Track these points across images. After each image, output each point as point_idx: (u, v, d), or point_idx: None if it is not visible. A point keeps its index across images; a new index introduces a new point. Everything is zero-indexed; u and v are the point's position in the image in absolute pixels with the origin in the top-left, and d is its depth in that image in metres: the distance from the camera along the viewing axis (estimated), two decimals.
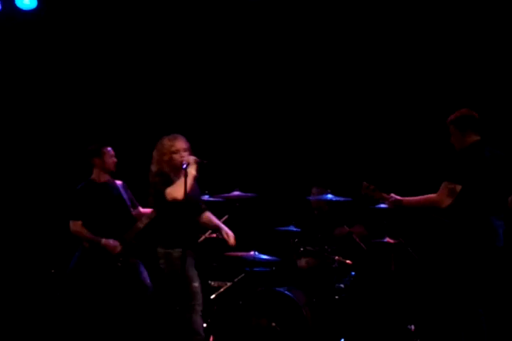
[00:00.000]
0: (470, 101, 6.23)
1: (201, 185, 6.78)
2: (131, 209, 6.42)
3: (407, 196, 5.47)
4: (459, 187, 5.10)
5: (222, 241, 6.64)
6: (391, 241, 6.61)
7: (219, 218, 6.58)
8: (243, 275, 6.67)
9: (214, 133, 8.10)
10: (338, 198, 6.65)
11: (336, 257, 6.61)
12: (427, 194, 5.33)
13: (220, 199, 6.70)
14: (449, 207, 5.15)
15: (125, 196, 6.44)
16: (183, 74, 8.18)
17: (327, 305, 6.46)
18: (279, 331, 6.27)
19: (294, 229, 6.78)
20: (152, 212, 6.00)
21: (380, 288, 6.80)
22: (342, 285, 6.55)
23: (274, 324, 6.29)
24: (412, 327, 6.45)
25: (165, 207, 5.52)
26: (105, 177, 6.41)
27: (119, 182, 6.51)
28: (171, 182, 5.51)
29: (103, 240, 6.18)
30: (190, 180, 5.45)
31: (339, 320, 6.42)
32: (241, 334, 6.35)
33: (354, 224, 7.02)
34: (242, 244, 6.73)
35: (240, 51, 8.05)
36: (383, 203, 6.17)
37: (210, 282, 6.67)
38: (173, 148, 5.61)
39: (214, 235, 6.61)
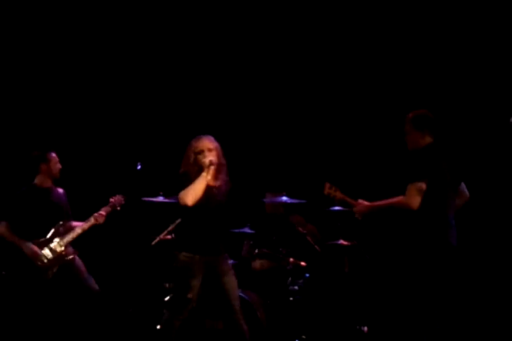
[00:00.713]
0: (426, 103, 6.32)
1: (156, 186, 6.81)
2: (67, 218, 6.40)
3: (361, 198, 5.48)
4: (424, 185, 5.09)
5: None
6: (345, 243, 6.65)
7: (174, 220, 6.58)
8: None
9: (169, 133, 8.10)
10: (292, 200, 6.69)
11: (291, 259, 6.64)
12: (381, 195, 5.36)
13: (175, 201, 6.66)
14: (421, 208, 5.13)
15: (63, 204, 6.43)
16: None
17: (281, 307, 6.48)
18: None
19: (249, 231, 6.79)
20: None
21: (333, 289, 6.85)
22: (296, 287, 6.57)
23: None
24: (365, 328, 6.51)
25: (180, 209, 5.40)
26: (48, 183, 6.40)
27: (60, 190, 6.51)
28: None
29: (26, 245, 6.14)
30: (201, 184, 5.26)
31: (293, 322, 6.45)
32: (195, 336, 6.32)
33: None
34: None
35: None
36: (340, 205, 6.18)
37: (164, 284, 6.64)
38: (197, 149, 5.43)
39: (169, 237, 6.59)
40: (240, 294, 6.32)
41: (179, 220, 6.52)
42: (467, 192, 5.44)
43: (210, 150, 5.42)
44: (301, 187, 7.21)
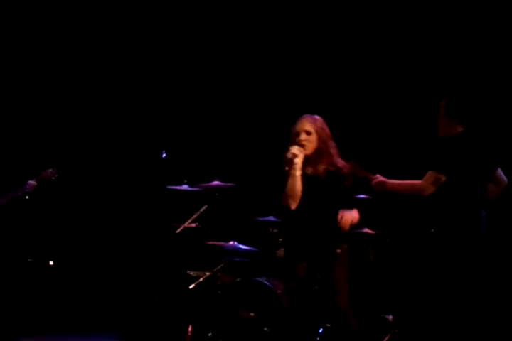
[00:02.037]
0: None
1: (181, 175, 6.82)
2: None
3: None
4: (444, 178, 5.05)
5: (201, 230, 6.65)
6: (370, 231, 6.62)
7: (198, 208, 6.59)
8: (222, 265, 6.66)
9: (195, 122, 8.10)
10: None
11: None
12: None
13: (200, 189, 6.68)
14: (431, 196, 5.12)
15: None
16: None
17: (306, 296, 6.47)
18: (257, 321, 6.27)
19: (274, 219, 6.78)
20: None
21: (358, 278, 6.82)
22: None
23: (252, 314, 6.29)
24: (390, 317, 6.48)
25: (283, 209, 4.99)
26: None
27: None
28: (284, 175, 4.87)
29: None
30: (292, 184, 4.78)
31: (318, 310, 6.44)
32: (220, 324, 6.34)
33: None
34: (221, 234, 6.76)
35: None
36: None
37: (189, 272, 6.66)
38: (294, 131, 4.88)
39: (193, 225, 6.60)
40: (265, 282, 6.34)
41: (204, 208, 6.54)
42: (505, 178, 5.33)
43: (307, 132, 4.87)
44: None
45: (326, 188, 4.89)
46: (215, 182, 6.59)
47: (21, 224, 8.19)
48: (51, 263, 7.81)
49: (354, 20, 7.71)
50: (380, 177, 5.34)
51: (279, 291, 6.31)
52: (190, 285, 6.53)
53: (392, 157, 7.30)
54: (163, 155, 6.85)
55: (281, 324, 6.21)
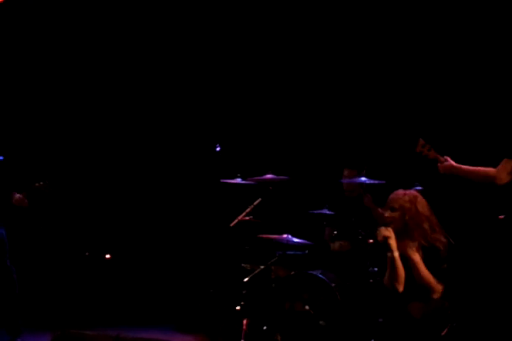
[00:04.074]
0: None
1: (234, 168, 6.82)
2: None
3: None
4: None
5: (255, 224, 6.65)
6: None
7: (252, 201, 6.59)
8: (276, 258, 6.65)
9: (247, 116, 8.10)
10: (371, 181, 6.58)
11: (370, 240, 6.55)
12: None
13: (253, 183, 6.68)
14: (507, 185, 4.90)
15: None
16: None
17: (361, 289, 6.43)
18: (312, 314, 6.25)
19: (328, 212, 6.73)
20: None
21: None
22: (376, 269, 6.49)
23: (307, 307, 6.27)
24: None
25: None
26: None
27: None
28: None
29: None
30: (393, 268, 4.61)
31: (373, 304, 6.39)
32: (274, 317, 6.34)
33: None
34: (275, 227, 6.75)
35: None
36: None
37: (243, 265, 6.67)
38: (387, 203, 4.85)
39: (247, 218, 6.60)
40: (319, 275, 6.32)
41: (257, 201, 6.54)
42: None
43: (392, 209, 4.76)
44: (381, 168, 7.08)
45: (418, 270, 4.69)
46: (269, 176, 6.57)
47: (79, 217, 8.33)
48: (108, 256, 7.90)
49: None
50: (449, 161, 5.17)
51: (333, 285, 6.28)
52: (244, 278, 6.53)
53: (463, 144, 7.13)
54: (217, 148, 6.86)
55: (337, 317, 6.18)
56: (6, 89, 8.13)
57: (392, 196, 4.83)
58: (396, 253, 4.59)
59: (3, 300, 6.34)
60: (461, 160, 5.25)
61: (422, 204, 4.81)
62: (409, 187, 6.41)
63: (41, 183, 6.33)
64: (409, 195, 4.80)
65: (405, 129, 7.53)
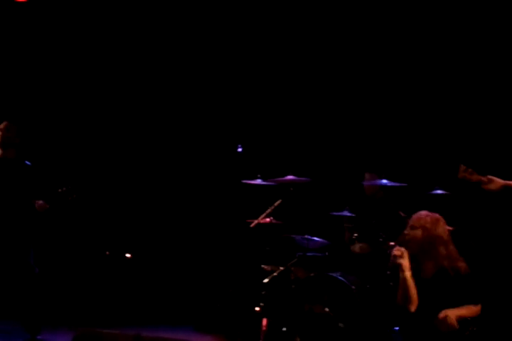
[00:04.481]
0: None
1: (255, 169, 6.83)
2: None
3: None
4: None
5: (275, 225, 6.65)
6: (449, 228, 6.48)
7: (272, 202, 6.58)
8: (296, 259, 6.65)
9: (268, 117, 8.10)
10: (393, 183, 6.55)
11: (391, 243, 6.53)
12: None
13: (274, 184, 6.67)
14: None
15: None
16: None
17: (381, 292, 6.40)
18: (332, 316, 6.23)
19: (349, 214, 6.71)
20: None
21: None
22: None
23: (327, 309, 6.25)
24: None
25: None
26: None
27: None
28: None
29: None
30: (405, 288, 4.61)
31: (392, 307, 6.36)
32: (294, 318, 6.33)
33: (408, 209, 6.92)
34: (295, 228, 6.74)
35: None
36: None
37: (263, 266, 6.67)
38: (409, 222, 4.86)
39: (267, 219, 6.60)
40: (339, 277, 6.30)
41: (278, 202, 6.53)
42: None
43: (412, 227, 4.77)
44: (402, 170, 7.06)
45: (436, 290, 4.68)
46: (290, 177, 6.57)
47: (100, 217, 8.37)
48: (128, 256, 7.94)
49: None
50: (495, 179, 5.03)
51: (353, 287, 6.26)
52: (264, 279, 6.53)
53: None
54: (239, 149, 6.87)
55: (356, 320, 6.16)
56: (29, 95, 8.24)
57: (415, 216, 4.85)
58: (408, 273, 4.60)
59: (24, 298, 6.39)
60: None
61: (442, 228, 4.85)
62: (430, 190, 6.41)
63: (64, 189, 6.39)
64: (431, 217, 4.83)
65: (428, 133, 7.51)
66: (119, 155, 8.48)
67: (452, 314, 4.62)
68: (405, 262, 4.62)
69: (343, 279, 6.28)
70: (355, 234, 6.70)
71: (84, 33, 8.35)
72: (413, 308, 4.62)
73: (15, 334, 6.53)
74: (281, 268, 6.62)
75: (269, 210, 6.57)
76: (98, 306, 7.80)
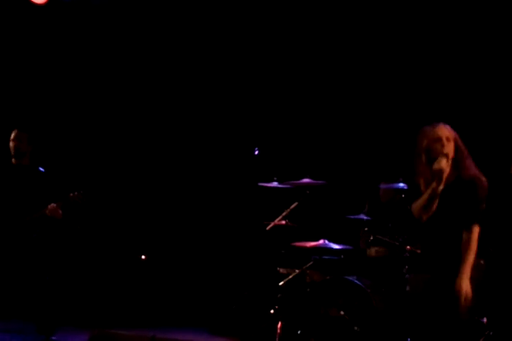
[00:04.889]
0: None
1: (271, 172, 6.82)
2: None
3: None
4: None
5: (291, 228, 6.64)
6: None
7: (288, 205, 6.57)
8: (312, 262, 6.63)
9: (285, 120, 8.09)
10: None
11: (407, 247, 6.49)
12: None
13: (290, 186, 6.66)
14: None
15: None
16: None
17: (397, 296, 6.37)
18: (347, 320, 6.20)
19: (365, 218, 6.68)
20: None
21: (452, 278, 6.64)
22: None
23: (342, 312, 6.23)
24: (485, 319, 6.30)
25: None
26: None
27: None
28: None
29: None
30: (431, 196, 4.54)
31: (409, 311, 6.32)
32: (309, 322, 6.31)
33: None
34: (311, 231, 6.72)
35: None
36: None
37: (278, 269, 6.66)
38: (433, 136, 4.63)
39: (283, 222, 6.59)
40: (355, 281, 6.27)
41: (294, 205, 6.52)
42: None
43: (448, 139, 4.63)
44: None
45: (455, 198, 4.63)
46: (306, 180, 6.56)
47: (115, 219, 8.39)
48: (143, 257, 7.95)
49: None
50: None
51: (369, 290, 6.22)
52: (279, 282, 6.51)
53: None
54: (256, 152, 6.86)
55: (372, 324, 6.13)
56: (40, 101, 8.29)
57: (443, 126, 4.68)
58: (441, 187, 4.54)
59: (38, 299, 6.41)
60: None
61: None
62: None
63: (76, 193, 6.39)
64: (448, 127, 4.70)
65: None
66: (134, 158, 8.49)
67: (466, 285, 4.60)
68: (445, 176, 4.54)
69: (358, 283, 6.24)
70: (371, 238, 6.67)
71: (95, 40, 8.40)
72: (425, 219, 4.59)
73: (30, 335, 6.55)
74: (297, 271, 6.61)
75: (285, 213, 6.57)
76: (113, 307, 7.81)
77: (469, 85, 7.23)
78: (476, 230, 4.56)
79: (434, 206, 4.57)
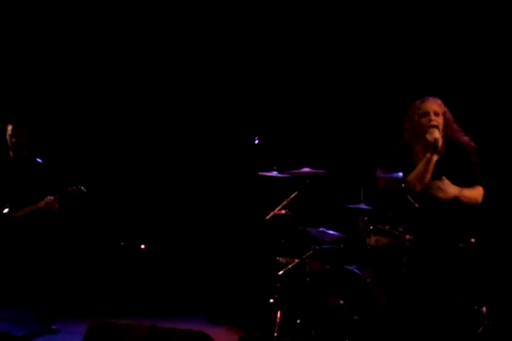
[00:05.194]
0: None
1: (271, 161, 6.80)
2: None
3: None
4: None
5: (290, 217, 6.62)
6: None
7: (288, 195, 6.55)
8: (311, 252, 6.62)
9: (285, 110, 8.07)
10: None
11: (407, 236, 6.47)
12: None
13: (290, 176, 6.65)
14: None
15: None
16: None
17: (396, 285, 6.36)
18: (346, 309, 6.21)
19: (365, 207, 6.67)
20: None
21: (452, 268, 6.64)
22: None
23: (342, 302, 6.22)
24: (484, 309, 6.30)
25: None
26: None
27: None
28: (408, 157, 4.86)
29: None
30: (426, 167, 4.70)
31: (408, 301, 6.32)
32: (309, 311, 6.31)
33: None
34: (311, 220, 6.71)
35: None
36: None
37: (278, 258, 6.65)
38: (421, 111, 4.77)
39: (283, 211, 6.58)
40: (355, 270, 6.27)
41: (294, 195, 6.51)
42: None
43: (436, 113, 4.77)
44: None
45: (451, 166, 4.76)
46: (306, 169, 6.53)
47: (115, 208, 8.39)
48: (143, 247, 7.95)
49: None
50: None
51: (369, 280, 6.22)
52: (279, 271, 6.51)
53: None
54: (256, 141, 6.84)
55: (371, 313, 6.13)
56: (37, 94, 8.27)
57: (432, 101, 4.81)
58: (435, 158, 4.66)
59: (37, 288, 6.41)
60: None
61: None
62: None
63: (74, 188, 6.38)
64: (439, 101, 4.83)
65: None
66: (133, 148, 8.48)
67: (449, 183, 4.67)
68: (440, 145, 4.67)
69: (358, 272, 6.25)
70: (371, 227, 6.65)
71: (92, 34, 8.37)
72: (419, 189, 4.74)
73: (29, 324, 6.56)
74: (297, 260, 6.61)
75: (284, 202, 6.56)
76: (112, 297, 7.82)
77: (468, 80, 7.20)
78: (479, 188, 4.67)
79: (428, 176, 4.67)
